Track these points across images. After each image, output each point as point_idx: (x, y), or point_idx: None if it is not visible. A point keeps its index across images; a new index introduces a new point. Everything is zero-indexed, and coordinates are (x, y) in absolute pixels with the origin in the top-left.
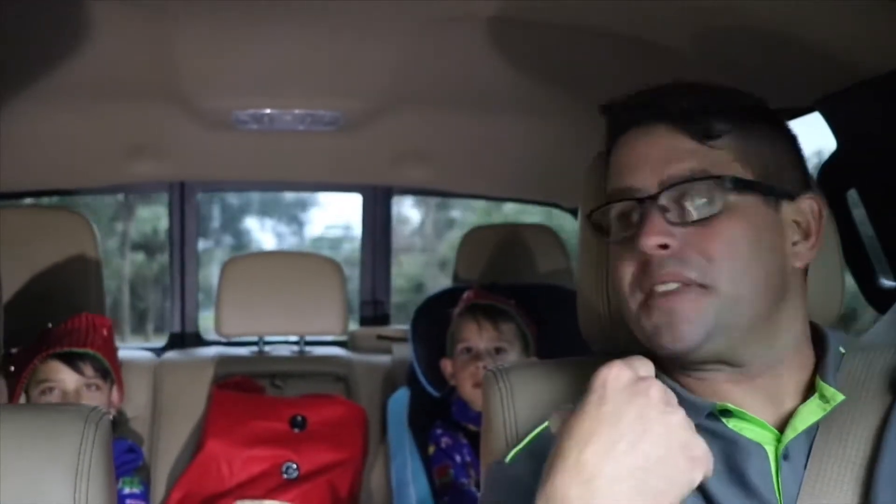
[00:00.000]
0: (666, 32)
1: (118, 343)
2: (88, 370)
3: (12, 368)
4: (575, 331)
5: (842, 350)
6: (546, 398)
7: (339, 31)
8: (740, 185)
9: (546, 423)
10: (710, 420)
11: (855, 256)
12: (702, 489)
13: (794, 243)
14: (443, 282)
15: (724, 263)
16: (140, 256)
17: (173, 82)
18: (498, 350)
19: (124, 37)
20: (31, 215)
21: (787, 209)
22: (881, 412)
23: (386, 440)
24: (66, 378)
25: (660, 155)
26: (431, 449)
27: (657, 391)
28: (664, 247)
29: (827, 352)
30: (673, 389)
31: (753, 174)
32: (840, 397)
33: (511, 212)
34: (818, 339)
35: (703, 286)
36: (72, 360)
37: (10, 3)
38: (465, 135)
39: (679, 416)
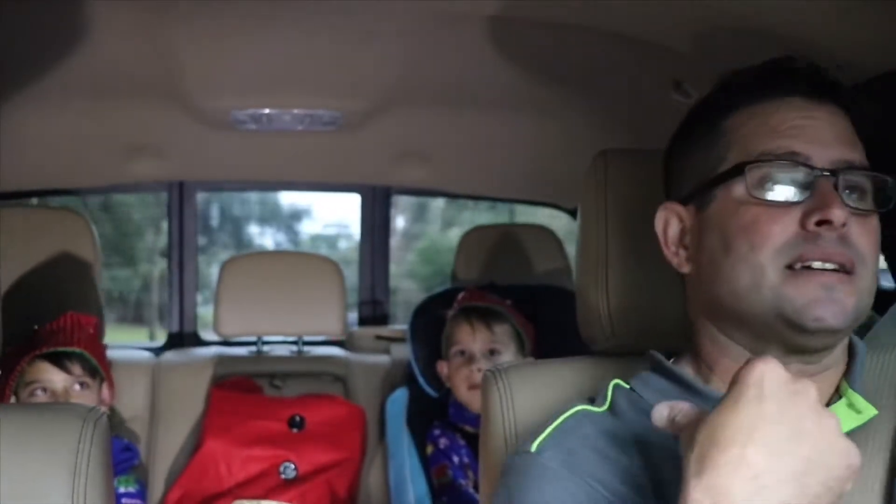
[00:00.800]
0: (666, 32)
1: (119, 342)
2: (76, 369)
3: (0, 372)
4: (573, 331)
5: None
6: (545, 398)
7: (338, 31)
8: (893, 194)
9: (573, 410)
10: None
11: None
12: None
13: None
14: (408, 291)
15: (869, 260)
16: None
17: (173, 82)
18: (492, 352)
19: (124, 36)
20: (30, 215)
21: None
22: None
23: (384, 440)
24: (54, 378)
25: (835, 135)
26: (430, 449)
27: (813, 392)
28: (843, 224)
29: (856, 359)
30: (692, 385)
31: None
32: (874, 411)
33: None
34: (850, 347)
35: (855, 275)
36: (59, 360)
37: (9, 2)
38: (465, 135)
39: (835, 421)
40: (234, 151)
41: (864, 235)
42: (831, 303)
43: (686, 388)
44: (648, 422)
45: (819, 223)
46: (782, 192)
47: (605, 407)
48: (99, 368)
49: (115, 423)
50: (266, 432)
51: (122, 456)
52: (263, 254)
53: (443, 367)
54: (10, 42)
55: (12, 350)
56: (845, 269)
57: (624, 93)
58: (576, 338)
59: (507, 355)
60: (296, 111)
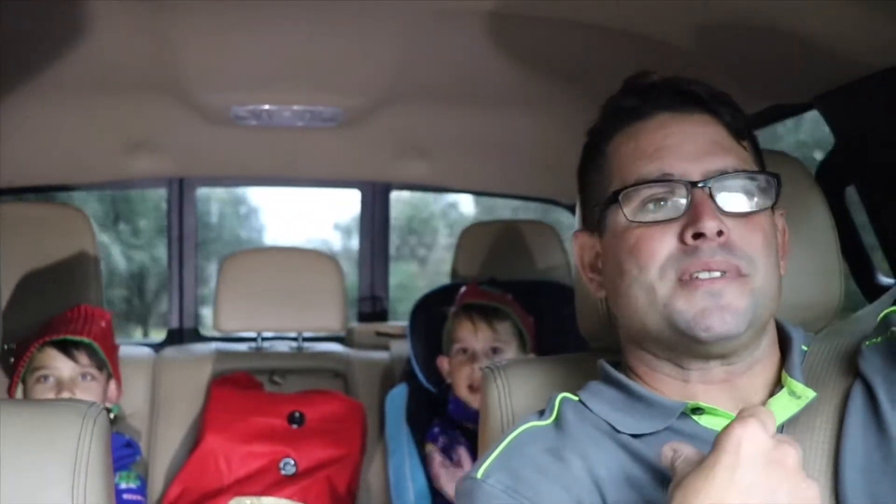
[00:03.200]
0: (665, 28)
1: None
2: (83, 359)
3: (12, 360)
4: (572, 326)
5: (804, 348)
6: (544, 394)
7: (338, 27)
8: (775, 188)
9: (519, 430)
10: (681, 420)
11: (853, 253)
12: None
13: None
14: None
15: (760, 258)
16: None
17: (172, 78)
18: (495, 350)
19: (123, 32)
20: (30, 211)
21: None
22: (841, 398)
23: (384, 436)
24: (60, 366)
25: (703, 145)
26: (429, 448)
27: (793, 460)
28: (719, 233)
29: (791, 349)
30: (638, 393)
31: None
32: (812, 394)
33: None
34: (782, 337)
35: (744, 276)
36: (67, 348)
37: None
38: (464, 131)
39: (813, 493)
40: (234, 147)
41: (748, 236)
42: (719, 310)
43: (629, 394)
44: (594, 433)
45: (695, 236)
46: (660, 211)
47: (552, 419)
48: (107, 362)
49: (119, 419)
50: (266, 428)
51: (124, 452)
52: (263, 250)
53: (443, 363)
54: (11, 38)
55: (24, 340)
56: (739, 273)
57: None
58: (574, 333)
59: (510, 353)
60: (296, 107)
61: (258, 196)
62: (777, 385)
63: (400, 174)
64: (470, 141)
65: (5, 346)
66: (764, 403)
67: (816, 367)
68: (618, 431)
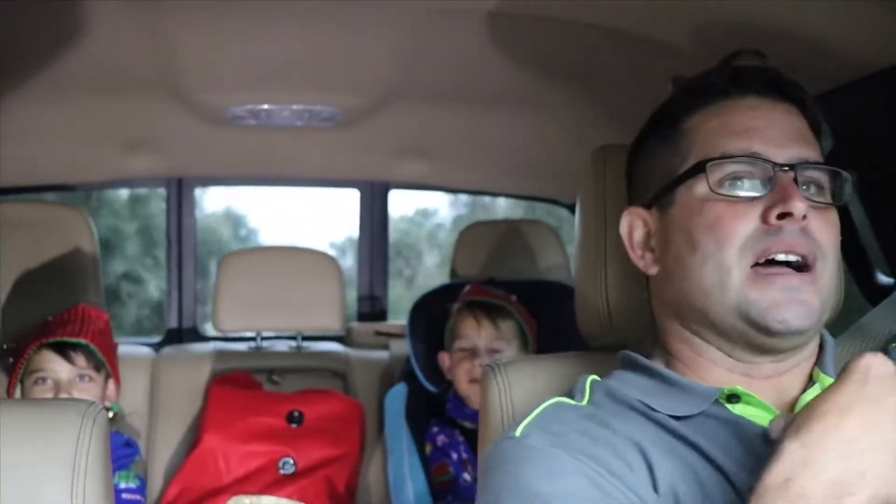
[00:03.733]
0: (665, 27)
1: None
2: (81, 360)
3: (11, 360)
4: (572, 326)
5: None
6: (544, 393)
7: (337, 27)
8: (847, 187)
9: (551, 401)
10: (715, 406)
11: (852, 252)
12: (722, 472)
13: None
14: None
15: (832, 253)
16: None
17: (170, 77)
18: (496, 348)
19: (121, 32)
20: (29, 211)
21: None
22: None
23: (383, 436)
24: (58, 368)
25: (790, 133)
26: (429, 448)
27: None
28: (804, 217)
29: (826, 348)
30: (671, 379)
31: None
32: None
33: None
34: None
35: (813, 273)
36: (64, 350)
37: None
38: (464, 130)
39: None
40: (232, 147)
41: (824, 228)
42: (795, 304)
43: (660, 380)
44: (629, 412)
45: (780, 216)
46: (743, 188)
47: (585, 401)
48: (104, 363)
49: (118, 418)
50: (265, 428)
51: (123, 451)
52: (262, 249)
53: (444, 359)
54: (9, 38)
55: (22, 341)
56: (807, 263)
57: (623, 88)
58: (574, 333)
59: (511, 351)
60: (294, 107)
61: (257, 218)
62: (809, 382)
63: (399, 174)
64: (469, 140)
65: (4, 347)
66: (796, 399)
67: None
68: (654, 410)
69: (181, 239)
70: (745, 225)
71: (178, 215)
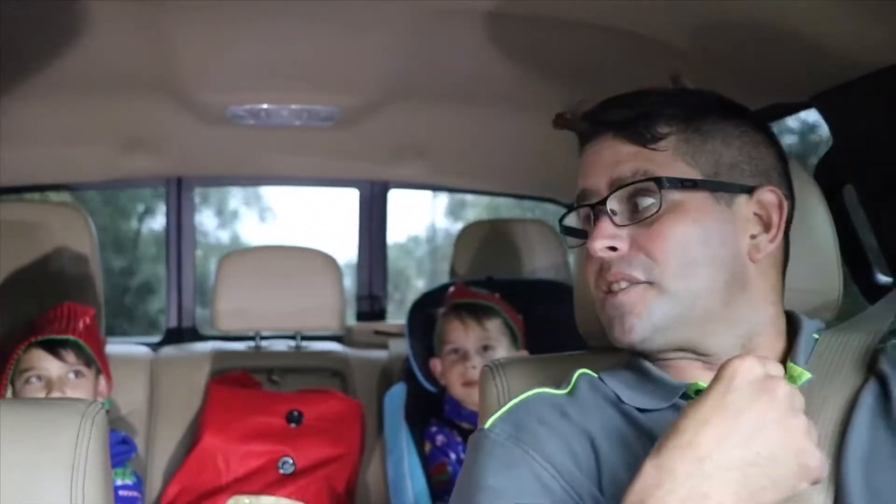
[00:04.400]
0: (663, 27)
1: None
2: (70, 357)
3: None
4: (571, 326)
5: (815, 336)
6: None
7: (336, 26)
8: (680, 184)
9: (531, 392)
10: (686, 401)
11: (851, 253)
12: None
13: (753, 236)
14: None
15: (668, 261)
16: None
17: (169, 77)
18: (485, 348)
19: (120, 31)
20: (28, 210)
21: (743, 203)
22: (850, 393)
23: (383, 435)
24: (48, 366)
25: (606, 161)
26: (427, 447)
27: (783, 392)
28: (612, 249)
29: (798, 338)
30: (648, 373)
31: (700, 172)
32: (807, 375)
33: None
34: (792, 327)
35: (650, 283)
36: (53, 348)
37: None
38: (463, 130)
39: (800, 422)
40: (231, 147)
41: (650, 243)
42: (621, 321)
43: (643, 375)
44: (602, 401)
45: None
46: (584, 232)
47: (567, 390)
48: (94, 358)
49: (112, 417)
50: (264, 427)
51: (119, 448)
52: (261, 249)
53: (436, 365)
54: (7, 37)
55: (10, 340)
56: (643, 281)
57: (622, 88)
58: (572, 332)
59: (501, 350)
60: (293, 106)
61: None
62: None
63: (398, 173)
64: (468, 140)
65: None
66: None
67: (828, 357)
68: (623, 402)
69: (180, 238)
70: (591, 266)
71: (177, 215)
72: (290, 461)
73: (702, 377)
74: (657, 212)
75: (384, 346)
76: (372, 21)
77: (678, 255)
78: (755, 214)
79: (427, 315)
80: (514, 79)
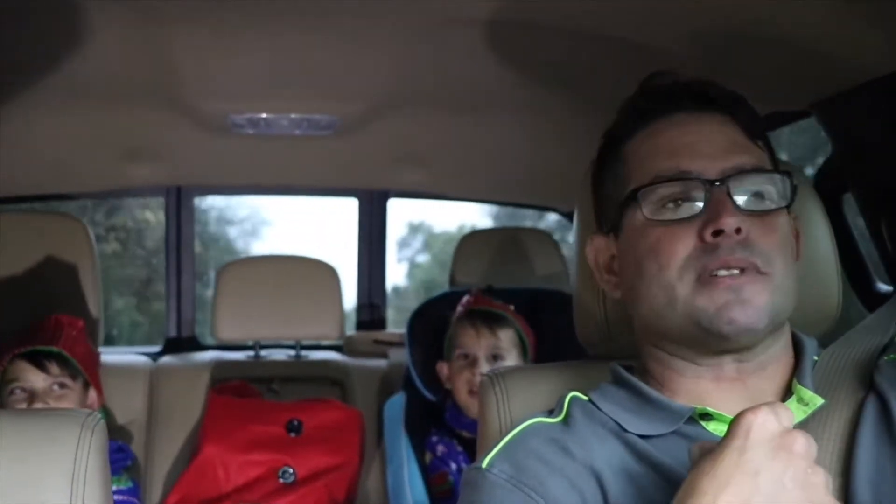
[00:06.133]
0: (663, 35)
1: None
2: (55, 369)
3: None
4: (571, 335)
5: (815, 358)
6: (543, 402)
7: (335, 35)
8: (792, 187)
9: (525, 424)
10: (689, 425)
11: (851, 261)
12: None
13: None
14: None
15: (780, 256)
16: None
17: (170, 86)
18: (495, 357)
19: (121, 40)
20: (28, 220)
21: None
22: (853, 409)
23: (382, 444)
24: (31, 378)
25: (722, 144)
26: (428, 457)
27: (801, 447)
28: (738, 231)
29: (803, 356)
30: (648, 395)
31: None
32: (819, 400)
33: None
34: (795, 344)
35: (763, 274)
36: (37, 359)
37: (6, 6)
38: (462, 138)
39: (819, 477)
40: (231, 156)
41: (766, 235)
42: (741, 303)
43: (639, 396)
44: (601, 430)
45: (715, 234)
46: (679, 210)
47: (560, 418)
48: (81, 370)
49: (109, 426)
50: (264, 437)
51: (115, 456)
52: (261, 258)
53: (443, 368)
54: (9, 47)
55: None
56: (759, 269)
57: (621, 95)
58: (572, 341)
59: (510, 360)
60: (293, 115)
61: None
62: (787, 393)
63: (397, 182)
64: (467, 148)
65: None
66: None
67: (828, 376)
68: (625, 430)
69: (180, 247)
70: (684, 245)
71: (176, 224)
72: (291, 470)
73: (709, 395)
74: (776, 207)
75: (384, 356)
76: (371, 30)
77: (786, 252)
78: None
79: (426, 324)
80: (513, 87)
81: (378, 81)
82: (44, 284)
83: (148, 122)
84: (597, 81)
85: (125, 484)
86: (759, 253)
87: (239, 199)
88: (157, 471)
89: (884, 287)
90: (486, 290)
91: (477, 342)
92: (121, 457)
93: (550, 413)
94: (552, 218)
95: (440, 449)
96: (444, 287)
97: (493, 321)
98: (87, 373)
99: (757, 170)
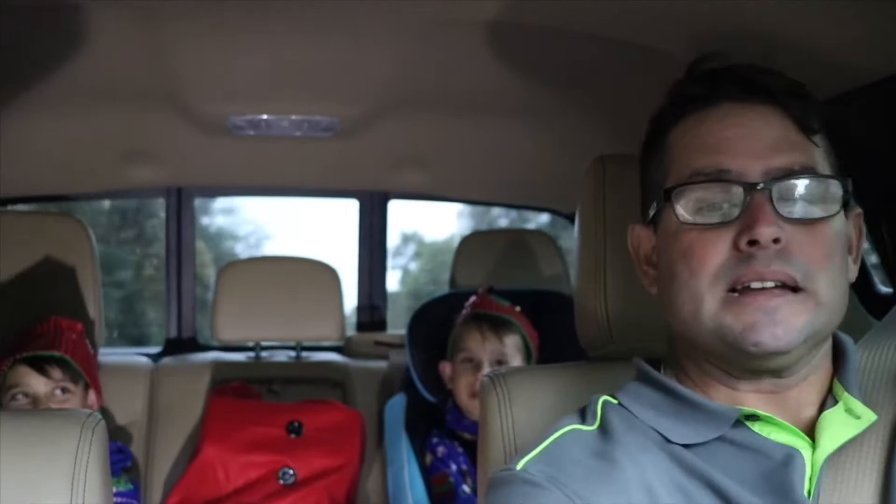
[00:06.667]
0: (663, 36)
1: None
2: (56, 373)
3: None
4: (572, 336)
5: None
6: (543, 404)
7: (336, 37)
8: (843, 192)
9: (563, 430)
10: (735, 428)
11: None
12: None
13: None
14: None
15: (824, 269)
16: None
17: (170, 88)
18: (500, 362)
19: (121, 42)
20: (28, 221)
21: (846, 222)
22: (892, 415)
23: (383, 446)
24: (33, 382)
25: (768, 140)
26: (429, 458)
27: None
28: (776, 241)
29: (847, 359)
30: (687, 398)
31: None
32: (873, 416)
33: None
34: (836, 346)
35: (801, 289)
36: (39, 364)
37: (6, 8)
38: (463, 140)
39: None
40: (231, 157)
41: (809, 246)
42: (772, 325)
43: (676, 398)
44: (641, 439)
45: (750, 242)
46: (715, 214)
47: (596, 425)
48: (82, 374)
49: (109, 427)
50: (264, 438)
51: (115, 458)
52: (261, 259)
53: (445, 368)
54: (9, 49)
55: (2, 353)
56: (796, 285)
57: (622, 98)
58: (573, 343)
59: (514, 365)
60: (293, 117)
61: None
62: (828, 396)
63: (398, 184)
64: (468, 150)
65: None
66: (814, 417)
67: (867, 381)
68: (669, 441)
69: (180, 249)
70: (718, 252)
71: (177, 225)
72: (291, 472)
73: (750, 404)
74: (824, 215)
75: (384, 357)
76: (372, 31)
77: (834, 263)
78: (846, 234)
79: (427, 325)
80: (514, 89)
81: (379, 83)
82: (44, 285)
83: (148, 124)
84: (598, 83)
85: (125, 486)
86: (798, 266)
87: (242, 217)
88: (156, 472)
89: (884, 289)
90: (490, 290)
91: (482, 347)
92: (120, 458)
93: (583, 418)
94: (542, 219)
95: (441, 450)
96: (430, 295)
97: (499, 326)
98: (88, 376)
99: (806, 171)
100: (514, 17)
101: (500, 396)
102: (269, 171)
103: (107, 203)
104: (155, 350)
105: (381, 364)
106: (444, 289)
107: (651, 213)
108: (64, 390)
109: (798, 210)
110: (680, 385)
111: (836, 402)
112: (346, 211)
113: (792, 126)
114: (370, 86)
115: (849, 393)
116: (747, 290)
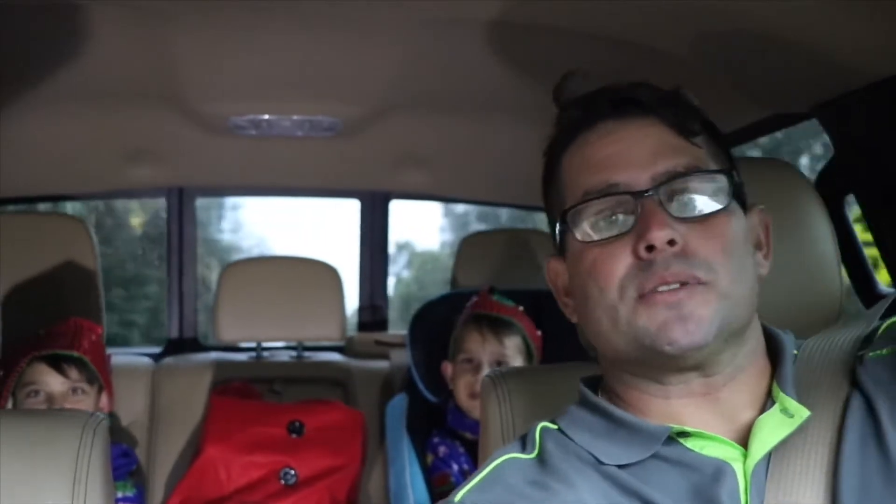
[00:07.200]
0: (665, 37)
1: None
2: (74, 373)
3: (2, 373)
4: (573, 336)
5: (794, 352)
6: (544, 404)
7: (337, 37)
8: (735, 184)
9: (500, 459)
10: (668, 446)
11: (853, 262)
12: None
13: (753, 253)
14: None
15: (725, 262)
16: None
17: (171, 87)
18: (500, 363)
19: (122, 42)
20: (29, 221)
21: (748, 219)
22: (838, 414)
23: (384, 446)
24: (50, 381)
25: (650, 149)
26: (430, 458)
27: None
28: (671, 243)
29: (783, 358)
30: (619, 419)
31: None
32: (805, 413)
33: None
34: (772, 345)
35: (705, 284)
36: (57, 363)
37: (7, 8)
38: (464, 139)
39: None
40: (233, 157)
41: (707, 241)
42: (682, 321)
43: (610, 420)
44: (577, 464)
45: (648, 248)
46: (612, 227)
47: (535, 454)
48: (98, 376)
49: (113, 430)
50: (266, 438)
51: (120, 462)
52: (263, 259)
53: (447, 368)
54: (10, 49)
55: (15, 350)
56: (701, 281)
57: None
58: (574, 342)
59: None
60: (295, 117)
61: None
62: (766, 398)
63: (399, 183)
64: (469, 150)
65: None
66: (752, 421)
67: (807, 376)
68: (602, 463)
69: (182, 248)
70: (621, 264)
71: (178, 225)
72: (292, 472)
73: (683, 411)
74: (719, 209)
75: (386, 357)
76: (373, 31)
77: (735, 256)
78: (748, 230)
79: (428, 325)
80: (515, 88)
81: (380, 83)
82: (44, 285)
83: (149, 124)
84: (598, 83)
85: (130, 490)
86: (699, 264)
87: (245, 232)
88: (158, 472)
89: (885, 289)
90: (492, 290)
91: (482, 348)
92: (126, 462)
93: (523, 446)
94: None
95: (442, 450)
96: (420, 301)
97: (499, 328)
98: (103, 377)
99: (692, 171)
100: (516, 17)
101: (501, 396)
102: (270, 171)
103: (138, 224)
104: (156, 350)
105: (383, 364)
106: (432, 294)
107: (557, 240)
108: (79, 391)
109: (689, 208)
110: (613, 406)
111: (773, 403)
112: (348, 211)
113: (670, 132)
114: (372, 86)
115: (784, 392)
116: (653, 293)
